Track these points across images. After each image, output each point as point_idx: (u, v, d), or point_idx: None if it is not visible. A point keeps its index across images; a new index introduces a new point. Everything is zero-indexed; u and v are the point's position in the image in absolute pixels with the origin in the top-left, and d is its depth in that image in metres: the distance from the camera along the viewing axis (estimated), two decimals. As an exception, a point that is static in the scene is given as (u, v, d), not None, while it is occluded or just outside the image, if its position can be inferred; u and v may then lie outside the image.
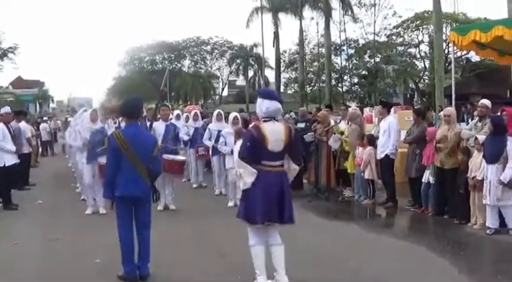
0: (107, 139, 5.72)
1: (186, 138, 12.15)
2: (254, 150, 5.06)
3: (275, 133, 5.06)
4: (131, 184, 5.41)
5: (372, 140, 10.04)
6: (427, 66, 35.18)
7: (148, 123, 8.35)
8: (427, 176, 8.82)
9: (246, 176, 5.05)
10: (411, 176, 9.34)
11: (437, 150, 8.49)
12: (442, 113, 9.48)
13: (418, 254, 6.61)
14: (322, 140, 10.78)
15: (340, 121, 11.60)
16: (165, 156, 8.99)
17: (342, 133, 10.88)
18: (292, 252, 5.39)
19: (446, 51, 23.77)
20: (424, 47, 36.38)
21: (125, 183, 5.41)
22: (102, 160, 8.24)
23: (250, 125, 5.37)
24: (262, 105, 5.16)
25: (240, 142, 5.57)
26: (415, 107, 11.04)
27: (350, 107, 15.15)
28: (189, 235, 7.66)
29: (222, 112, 11.76)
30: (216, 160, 11.09)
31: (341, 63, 41.82)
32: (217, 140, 10.52)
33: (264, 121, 5.15)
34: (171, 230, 7.89)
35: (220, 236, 7.52)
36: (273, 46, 44.25)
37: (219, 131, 10.52)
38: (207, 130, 11.36)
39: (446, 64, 24.12)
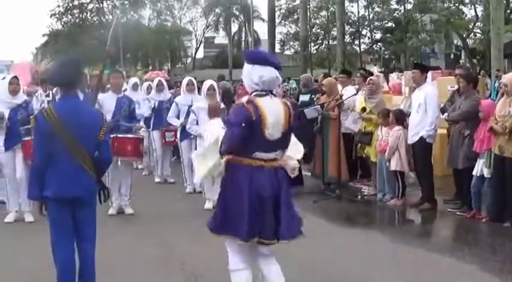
0: (34, 118, 5.61)
1: (147, 113, 12.06)
2: (247, 137, 4.93)
3: (275, 113, 4.95)
4: (68, 180, 5.32)
5: (401, 118, 10.03)
6: (480, 14, 35.11)
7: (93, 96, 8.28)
8: (480, 168, 8.79)
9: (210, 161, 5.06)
10: (457, 167, 9.33)
11: (493, 132, 8.44)
12: (501, 81, 9.46)
13: (467, 276, 6.59)
14: (330, 116, 10.73)
15: (357, 92, 11.54)
16: (113, 134, 8.86)
17: (363, 110, 10.81)
18: (292, 271, 5.36)
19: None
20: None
21: (59, 179, 5.32)
22: (28, 137, 8.21)
23: (242, 99, 5.17)
24: (253, 73, 5.01)
25: (213, 123, 5.37)
26: (462, 70, 10.96)
27: (371, 72, 15.06)
28: (151, 250, 7.60)
29: (194, 80, 11.71)
30: (185, 146, 11.15)
31: (358, 12, 41.80)
32: (187, 118, 10.41)
33: (258, 96, 5.00)
34: (126, 242, 7.87)
35: (193, 251, 7.47)
36: (266, -11, 44.12)
37: (190, 107, 10.44)
38: (173, 105, 11.34)
39: (508, 11, 24.07)
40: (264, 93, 4.98)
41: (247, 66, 5.08)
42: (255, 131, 4.89)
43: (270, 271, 5.10)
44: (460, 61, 34.56)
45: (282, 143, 5.05)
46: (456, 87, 10.11)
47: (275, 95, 5.09)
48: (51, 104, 6.18)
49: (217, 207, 5.27)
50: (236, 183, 4.97)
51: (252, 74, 5.02)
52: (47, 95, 15.58)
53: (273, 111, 4.93)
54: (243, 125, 4.89)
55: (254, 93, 5.02)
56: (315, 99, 11.81)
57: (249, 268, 5.10)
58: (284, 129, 4.99)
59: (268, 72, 4.98)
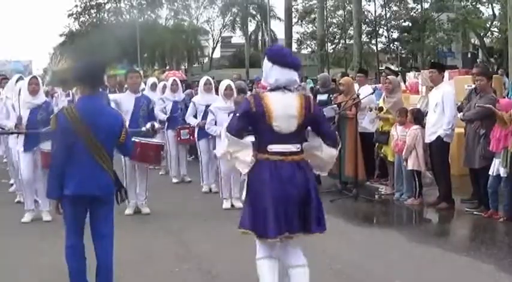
0: (55, 117, 5.63)
1: (162, 116, 12.03)
2: (253, 128, 5.01)
3: (284, 106, 4.98)
4: (87, 179, 5.37)
5: (419, 117, 10.00)
6: (497, 13, 34.90)
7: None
8: (496, 167, 8.75)
9: (242, 155, 5.02)
10: (473, 166, 9.30)
11: (501, 122, 8.42)
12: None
13: (484, 275, 6.57)
14: (347, 115, 10.73)
15: (374, 91, 11.54)
16: (136, 138, 8.99)
17: (380, 109, 10.80)
18: (310, 271, 5.29)
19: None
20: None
21: (78, 177, 5.36)
22: (46, 147, 8.15)
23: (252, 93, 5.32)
24: (271, 73, 5.07)
25: None
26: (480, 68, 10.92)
27: (393, 70, 15.02)
28: (168, 249, 7.62)
29: (211, 80, 11.71)
30: (203, 145, 11.08)
31: (375, 11, 41.69)
32: (204, 118, 10.43)
33: (269, 90, 5.10)
34: (143, 242, 7.87)
35: (211, 250, 7.48)
36: (282, -11, 44.05)
37: (208, 106, 10.42)
38: (191, 104, 11.28)
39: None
40: (277, 89, 5.05)
41: (267, 63, 5.11)
42: (261, 123, 4.96)
43: (296, 273, 5.09)
44: (477, 60, 34.37)
45: (299, 137, 5.06)
46: (473, 86, 10.05)
47: (290, 90, 5.09)
48: (72, 104, 6.22)
49: (244, 205, 5.29)
50: (259, 181, 5.00)
51: (269, 73, 5.08)
52: (67, 95, 15.67)
53: (282, 104, 4.96)
54: (238, 115, 5.06)
55: (268, 89, 5.12)
56: (332, 98, 11.80)
57: (274, 258, 5.09)
58: (299, 122, 4.99)
59: (286, 75, 5.03)
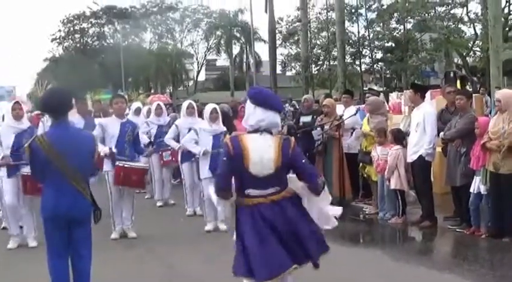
0: (28, 146, 5.77)
1: (146, 140, 12.06)
2: (234, 173, 4.98)
3: (261, 149, 4.93)
4: (64, 201, 5.56)
5: (399, 137, 10.10)
6: (479, 32, 35.20)
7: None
8: (477, 185, 8.84)
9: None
10: (455, 184, 9.39)
11: (486, 149, 8.52)
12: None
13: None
14: (333, 136, 10.82)
15: (356, 112, 11.66)
16: (120, 163, 9.13)
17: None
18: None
19: (506, 9, 23.78)
20: (474, 6, 36.48)
21: (55, 200, 5.57)
22: (26, 170, 8.13)
23: (231, 135, 5.28)
24: (253, 115, 5.03)
25: None
26: (460, 88, 11.08)
27: (376, 91, 15.15)
28: (155, 274, 7.62)
29: (194, 104, 11.66)
30: (186, 168, 11.04)
31: (358, 32, 41.95)
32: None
33: (248, 132, 5.05)
34: (130, 267, 7.87)
35: (198, 272, 7.50)
36: (266, 12, 44.32)
37: (190, 130, 10.32)
38: (173, 127, 11.21)
39: (506, 29, 24.21)
40: (255, 131, 5.01)
41: (249, 106, 5.07)
42: (239, 167, 4.91)
43: None
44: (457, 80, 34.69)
45: (277, 179, 5.01)
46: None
47: (270, 133, 5.03)
48: (44, 132, 6.38)
49: (235, 250, 5.18)
50: (243, 226, 5.00)
51: (252, 115, 5.03)
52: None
53: (259, 147, 4.91)
54: (224, 159, 4.98)
55: (247, 131, 5.07)
56: (317, 120, 11.85)
57: None
58: (276, 164, 4.93)
59: (269, 118, 4.99)
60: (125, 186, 9.37)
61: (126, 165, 9.22)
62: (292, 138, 5.21)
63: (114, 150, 9.26)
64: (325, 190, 5.29)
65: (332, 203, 10.54)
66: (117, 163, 9.19)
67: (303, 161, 5.12)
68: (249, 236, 4.92)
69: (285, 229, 4.95)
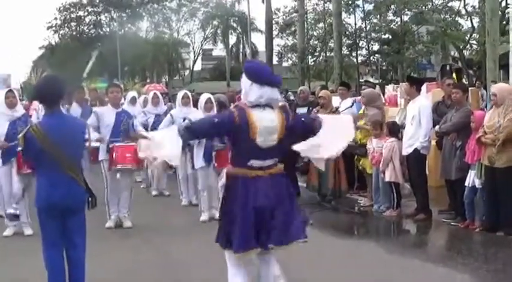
0: (23, 136, 5.73)
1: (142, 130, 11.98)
2: (231, 141, 5.05)
3: (266, 121, 4.97)
4: (59, 189, 5.55)
5: (395, 129, 10.12)
6: (476, 25, 35.24)
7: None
8: (472, 178, 8.86)
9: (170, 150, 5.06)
10: (450, 178, 9.40)
11: (481, 143, 8.53)
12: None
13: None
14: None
15: (352, 104, 11.65)
16: (111, 144, 9.20)
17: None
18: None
19: (503, 3, 23.77)
20: (472, -1, 36.44)
21: (50, 188, 5.56)
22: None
23: (236, 106, 5.26)
24: (251, 92, 5.02)
25: None
26: (456, 81, 11.04)
27: (372, 83, 15.14)
28: (150, 263, 7.63)
29: (189, 94, 11.58)
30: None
31: (355, 24, 41.95)
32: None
33: (251, 107, 5.05)
34: (125, 256, 7.86)
35: (194, 262, 7.51)
36: (263, 2, 44.19)
37: (185, 119, 10.17)
38: (168, 116, 11.07)
39: (503, 22, 24.18)
40: (256, 106, 5.01)
41: (246, 81, 5.06)
42: (245, 138, 4.93)
43: (267, 272, 5.17)
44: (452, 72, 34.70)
45: (276, 151, 5.08)
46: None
47: (271, 107, 5.05)
48: (37, 122, 6.37)
49: (219, 220, 5.31)
50: (233, 197, 5.02)
51: (249, 92, 5.02)
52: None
53: (265, 119, 4.95)
54: (214, 121, 5.05)
55: (248, 106, 5.05)
56: (313, 112, 11.83)
57: (245, 269, 5.13)
58: (280, 135, 5.01)
59: (267, 93, 4.99)
60: (122, 165, 9.27)
61: (117, 145, 9.26)
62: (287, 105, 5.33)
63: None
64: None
65: (325, 195, 10.66)
66: (110, 145, 9.24)
67: (302, 119, 5.37)
68: (236, 208, 4.97)
69: (273, 203, 4.99)
